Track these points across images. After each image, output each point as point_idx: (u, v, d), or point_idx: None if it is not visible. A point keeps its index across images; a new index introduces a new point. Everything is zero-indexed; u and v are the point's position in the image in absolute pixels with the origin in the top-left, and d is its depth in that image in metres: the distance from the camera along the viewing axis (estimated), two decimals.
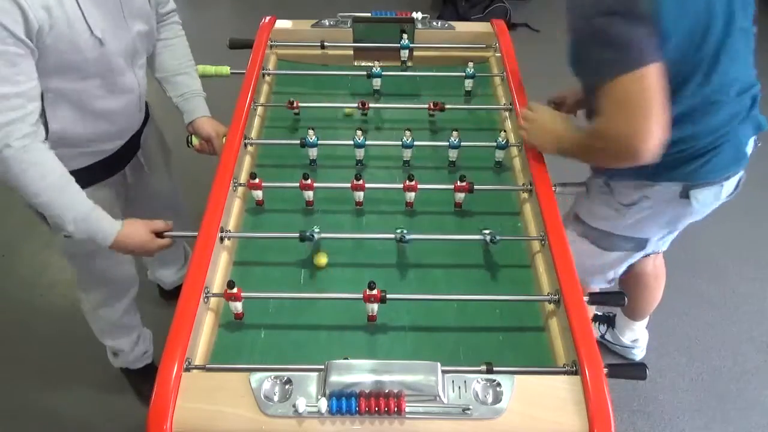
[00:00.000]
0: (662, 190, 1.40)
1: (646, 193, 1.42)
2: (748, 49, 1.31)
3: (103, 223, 1.32)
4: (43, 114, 1.26)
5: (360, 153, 1.59)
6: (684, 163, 1.34)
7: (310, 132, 1.55)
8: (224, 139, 1.55)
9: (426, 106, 1.67)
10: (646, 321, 2.09)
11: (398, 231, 1.32)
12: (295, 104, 1.69)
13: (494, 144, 1.57)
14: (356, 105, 1.69)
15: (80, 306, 1.79)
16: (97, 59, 1.26)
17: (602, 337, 2.17)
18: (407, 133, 1.54)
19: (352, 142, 1.57)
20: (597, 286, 1.73)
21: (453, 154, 1.59)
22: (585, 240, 1.57)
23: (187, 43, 1.64)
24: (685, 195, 1.39)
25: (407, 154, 1.58)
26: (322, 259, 1.35)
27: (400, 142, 1.55)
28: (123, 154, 1.53)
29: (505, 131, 1.59)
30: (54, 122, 1.29)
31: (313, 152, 1.58)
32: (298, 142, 1.57)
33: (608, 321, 2.18)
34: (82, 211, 1.28)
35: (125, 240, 1.35)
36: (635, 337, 2.10)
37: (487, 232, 1.34)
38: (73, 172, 1.29)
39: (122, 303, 1.78)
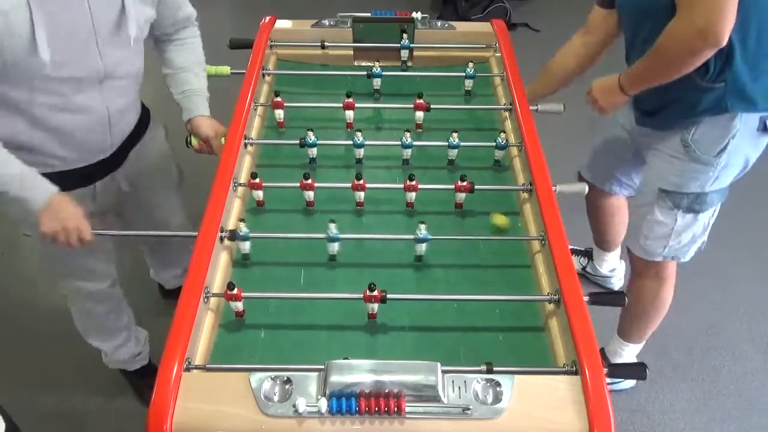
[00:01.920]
0: (745, 125, 1.43)
1: (732, 134, 1.44)
2: None
3: (39, 181, 1.30)
4: None
5: (359, 152, 1.59)
6: (762, 89, 1.39)
7: (310, 133, 1.55)
8: (223, 140, 1.54)
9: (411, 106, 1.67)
10: (618, 251, 2.23)
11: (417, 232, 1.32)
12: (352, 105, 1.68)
13: (493, 144, 1.57)
14: (341, 105, 1.68)
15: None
16: (46, 76, 1.23)
17: (583, 269, 2.32)
18: (454, 134, 1.55)
19: (351, 142, 1.57)
20: (686, 259, 1.74)
21: (453, 154, 1.59)
22: (677, 211, 1.58)
23: (202, 49, 1.64)
24: (761, 127, 1.43)
25: (407, 153, 1.58)
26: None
27: (400, 142, 1.55)
28: (92, 170, 1.49)
29: (504, 132, 1.58)
30: (2, 128, 1.27)
31: (312, 152, 1.58)
32: (298, 142, 1.57)
33: (587, 254, 2.35)
34: (14, 172, 1.26)
35: (60, 204, 1.31)
36: (612, 267, 2.28)
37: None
38: None
39: (97, 309, 1.75)
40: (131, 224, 1.68)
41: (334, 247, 1.34)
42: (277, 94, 1.48)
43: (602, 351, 2.07)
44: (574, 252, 2.34)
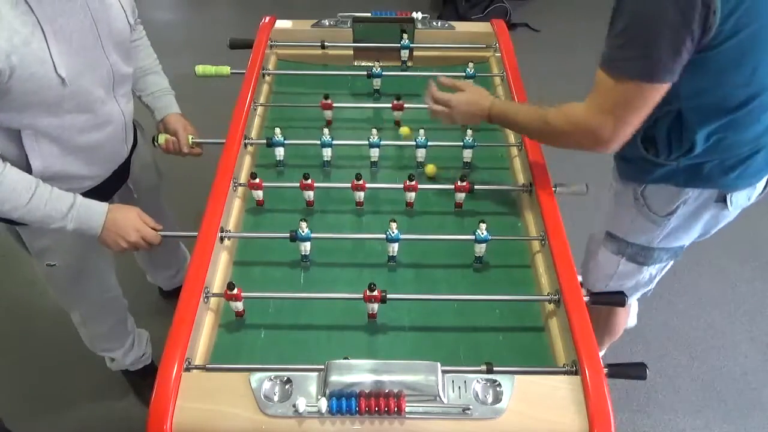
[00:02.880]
0: (699, 197, 1.36)
1: (683, 198, 1.36)
2: None
3: (92, 206, 1.31)
4: (22, 150, 1.24)
5: (375, 153, 1.59)
6: (725, 170, 1.30)
7: (325, 131, 1.55)
8: (191, 138, 1.56)
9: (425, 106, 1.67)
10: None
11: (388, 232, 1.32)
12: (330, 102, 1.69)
13: (461, 144, 1.57)
14: (318, 105, 1.69)
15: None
16: (68, 96, 1.22)
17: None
18: (420, 131, 1.55)
19: (351, 143, 1.57)
20: (634, 299, 1.70)
21: (467, 154, 1.59)
22: (620, 257, 1.52)
23: (149, 42, 1.63)
24: (721, 199, 1.36)
25: (421, 153, 1.58)
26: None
27: (414, 142, 1.56)
28: (111, 183, 1.50)
29: (470, 129, 1.58)
30: (35, 159, 1.26)
31: (327, 152, 1.58)
32: (299, 142, 1.57)
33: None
34: (67, 202, 1.27)
35: (115, 221, 1.33)
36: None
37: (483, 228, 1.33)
38: None
39: (108, 321, 1.76)
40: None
41: (306, 247, 1.34)
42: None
43: None
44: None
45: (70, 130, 1.28)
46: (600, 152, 1.25)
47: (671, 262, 1.56)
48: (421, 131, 1.55)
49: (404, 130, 1.65)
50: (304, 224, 1.31)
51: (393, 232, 1.31)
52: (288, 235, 1.32)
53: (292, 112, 1.73)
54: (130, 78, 1.44)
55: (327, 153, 1.58)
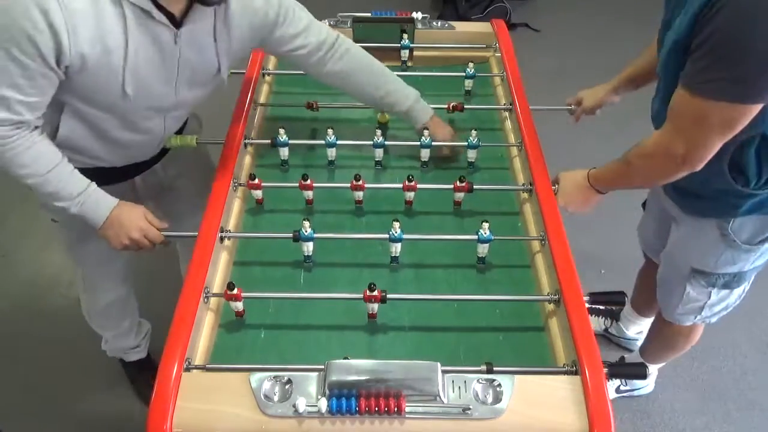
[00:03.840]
0: None
1: None
2: None
3: (101, 199, 1.31)
4: (57, 119, 1.26)
5: (379, 153, 1.59)
6: None
7: (329, 131, 1.55)
8: (196, 139, 1.51)
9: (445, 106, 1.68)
10: (652, 318, 2.07)
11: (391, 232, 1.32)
12: (314, 105, 1.70)
13: (465, 144, 1.57)
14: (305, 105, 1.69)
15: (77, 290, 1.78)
16: (121, 105, 1.25)
17: (605, 330, 2.17)
18: (426, 132, 1.55)
19: (356, 142, 1.58)
20: (715, 321, 1.67)
21: (472, 155, 1.59)
22: (711, 288, 1.50)
23: (368, 59, 1.55)
24: None
25: (425, 153, 1.59)
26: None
27: (419, 143, 1.56)
28: (129, 170, 1.50)
29: (476, 130, 1.58)
30: (64, 129, 1.28)
31: (331, 152, 1.59)
32: (302, 142, 1.57)
33: (612, 315, 2.17)
34: (80, 186, 1.28)
35: (119, 218, 1.32)
36: (640, 330, 2.09)
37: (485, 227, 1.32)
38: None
39: (108, 295, 1.75)
40: (169, 216, 1.67)
41: (309, 247, 1.34)
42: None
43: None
44: (595, 312, 2.16)
45: (105, 124, 1.29)
46: (687, 172, 1.20)
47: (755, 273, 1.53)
48: (426, 132, 1.55)
49: (383, 117, 1.67)
50: (306, 224, 1.31)
51: (396, 232, 1.30)
52: (290, 235, 1.32)
53: (293, 113, 1.73)
54: (200, 101, 1.43)
55: (331, 153, 1.58)
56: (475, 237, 1.32)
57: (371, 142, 1.56)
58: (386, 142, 1.57)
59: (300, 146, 1.63)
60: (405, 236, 1.33)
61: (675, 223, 1.53)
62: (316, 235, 1.32)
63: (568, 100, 1.75)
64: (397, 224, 1.31)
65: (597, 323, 2.18)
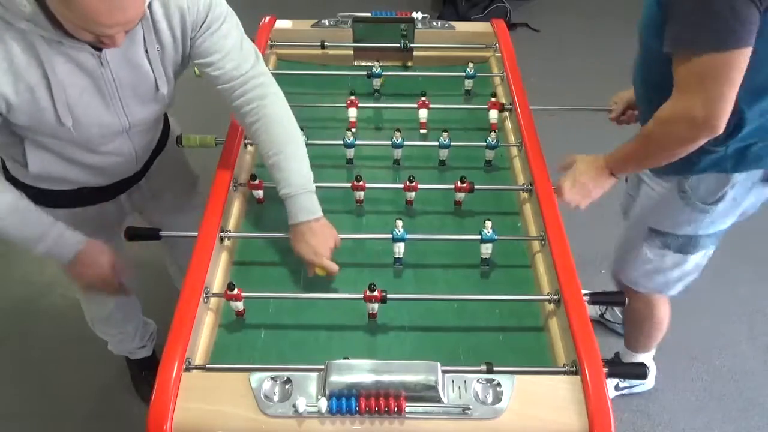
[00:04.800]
0: (746, 180, 1.36)
1: (731, 185, 1.37)
2: None
3: (65, 241, 1.28)
4: (23, 155, 1.23)
5: (397, 153, 1.59)
6: None
7: (348, 133, 1.55)
8: (215, 138, 1.50)
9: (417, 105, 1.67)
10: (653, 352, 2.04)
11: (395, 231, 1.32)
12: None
13: (484, 144, 1.57)
14: (345, 104, 1.68)
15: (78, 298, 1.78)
16: (70, 136, 1.20)
17: (601, 315, 2.19)
18: (444, 134, 1.55)
19: (373, 143, 1.60)
20: (673, 293, 1.69)
21: (443, 154, 1.59)
22: (666, 250, 1.53)
23: (283, 113, 1.32)
24: (765, 178, 1.37)
25: (443, 154, 1.59)
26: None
27: (437, 143, 1.56)
28: (114, 189, 1.46)
29: (495, 132, 1.58)
30: (34, 165, 1.25)
31: (350, 152, 1.59)
32: (315, 142, 1.57)
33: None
34: (39, 230, 1.24)
35: (82, 261, 1.30)
36: None
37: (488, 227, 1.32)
38: (55, 192, 1.31)
39: (108, 305, 1.74)
40: (157, 224, 1.65)
41: (351, 153, 1.37)
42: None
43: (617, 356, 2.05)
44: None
45: (71, 152, 1.26)
46: (710, 136, 1.20)
47: (713, 248, 1.56)
48: (445, 134, 1.55)
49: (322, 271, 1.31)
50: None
51: (399, 231, 1.30)
52: (287, 235, 1.31)
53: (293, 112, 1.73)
54: (156, 120, 1.37)
55: (350, 153, 1.59)
56: (476, 237, 1.32)
57: (390, 143, 1.56)
58: (405, 143, 1.57)
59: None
60: (410, 236, 1.33)
61: (642, 184, 1.55)
62: (355, 236, 1.33)
63: (611, 99, 1.74)
64: (399, 223, 1.31)
65: (593, 309, 2.21)
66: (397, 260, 1.35)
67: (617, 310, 2.15)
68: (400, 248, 1.33)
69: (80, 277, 1.35)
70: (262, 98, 1.30)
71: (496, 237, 1.32)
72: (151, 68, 1.22)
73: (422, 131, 1.69)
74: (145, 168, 1.51)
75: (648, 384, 2.05)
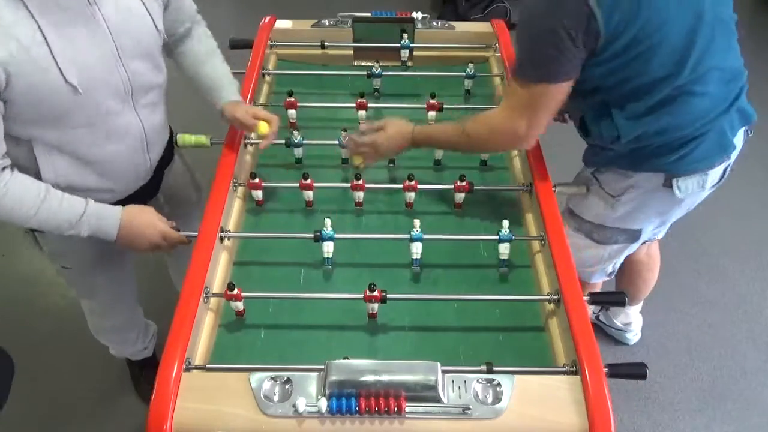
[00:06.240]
0: (646, 180, 1.42)
1: (631, 182, 1.43)
2: (726, 38, 1.31)
3: (105, 213, 1.26)
4: (34, 162, 1.20)
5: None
6: (665, 153, 1.35)
7: (344, 133, 1.55)
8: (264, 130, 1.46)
9: (424, 105, 1.67)
10: (639, 306, 2.12)
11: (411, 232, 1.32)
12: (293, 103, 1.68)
13: None
14: (354, 105, 1.68)
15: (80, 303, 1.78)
16: (80, 107, 1.16)
17: (596, 318, 2.19)
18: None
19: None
20: (599, 281, 1.74)
21: (439, 153, 1.60)
22: (580, 234, 1.58)
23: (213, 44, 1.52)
24: (668, 184, 1.40)
25: (439, 153, 1.59)
26: (263, 128, 1.41)
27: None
28: (137, 198, 1.41)
29: None
30: (47, 172, 1.22)
31: (346, 152, 1.59)
32: (315, 142, 1.57)
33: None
34: (78, 210, 1.22)
35: (131, 224, 1.27)
36: (628, 321, 2.13)
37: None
38: None
39: (116, 318, 1.75)
40: None
41: (330, 247, 1.34)
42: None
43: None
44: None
45: (80, 144, 1.23)
46: (520, 148, 1.45)
47: (630, 245, 1.59)
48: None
49: (357, 159, 1.53)
50: (328, 222, 1.31)
51: (416, 231, 1.31)
52: (289, 235, 1.32)
53: (292, 112, 1.73)
54: (158, 87, 1.36)
55: (345, 152, 1.59)
56: (476, 237, 1.33)
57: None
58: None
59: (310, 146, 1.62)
60: (404, 236, 1.33)
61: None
62: (338, 236, 1.32)
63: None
64: (417, 222, 1.32)
65: (588, 311, 2.19)
66: (415, 261, 1.34)
67: (611, 315, 2.15)
68: (417, 248, 1.33)
69: (134, 247, 1.31)
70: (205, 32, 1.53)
71: (513, 237, 1.32)
72: (144, 4, 1.24)
73: None
74: (158, 177, 1.49)
75: (633, 338, 2.15)
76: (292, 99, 1.65)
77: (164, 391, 1.01)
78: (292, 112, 1.68)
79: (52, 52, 1.09)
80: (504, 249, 1.34)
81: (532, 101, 1.29)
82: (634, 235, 1.55)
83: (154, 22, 1.27)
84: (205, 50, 1.50)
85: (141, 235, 1.30)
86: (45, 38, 1.07)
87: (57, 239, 1.35)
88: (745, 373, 2.11)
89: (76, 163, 1.25)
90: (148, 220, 1.31)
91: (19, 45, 1.05)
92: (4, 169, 1.15)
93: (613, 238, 1.55)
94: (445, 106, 1.67)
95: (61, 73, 1.10)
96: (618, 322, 2.13)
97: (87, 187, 1.29)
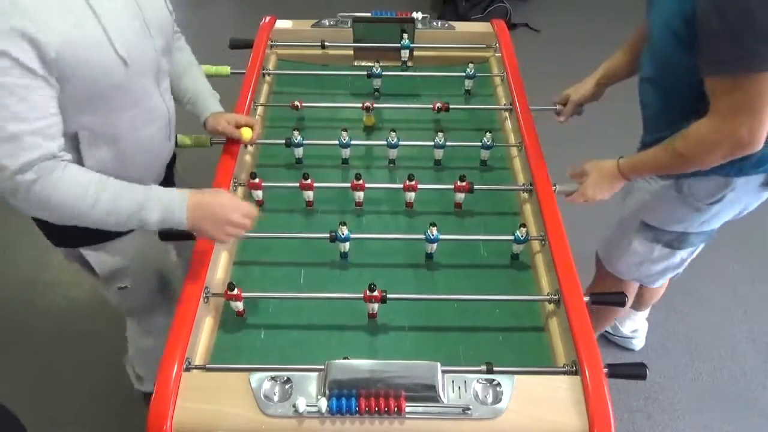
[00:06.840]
0: (747, 182, 1.36)
1: (731, 188, 1.37)
2: None
3: (168, 197, 1.16)
4: (77, 152, 1.16)
5: (393, 153, 1.59)
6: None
7: (344, 133, 1.55)
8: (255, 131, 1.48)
9: (430, 106, 1.67)
10: (647, 312, 2.10)
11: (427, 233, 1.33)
12: (299, 105, 1.69)
13: (479, 144, 1.58)
14: (360, 106, 1.68)
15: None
16: (126, 83, 1.15)
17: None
18: (440, 134, 1.55)
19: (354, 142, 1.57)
20: (655, 285, 1.72)
21: (439, 154, 1.60)
22: (656, 244, 1.54)
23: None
24: (766, 182, 1.37)
25: (439, 154, 1.59)
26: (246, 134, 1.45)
27: (433, 143, 1.56)
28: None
29: (490, 132, 1.58)
30: (90, 161, 1.18)
31: (346, 152, 1.59)
32: (315, 142, 1.57)
33: None
34: (140, 194, 1.14)
35: (201, 202, 1.16)
36: (635, 327, 2.11)
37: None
38: None
39: (160, 320, 1.65)
40: None
41: (346, 246, 1.35)
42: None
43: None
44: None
45: (125, 127, 1.20)
46: (746, 153, 1.20)
47: (702, 245, 1.57)
48: (440, 134, 1.55)
49: (369, 119, 1.63)
50: (344, 228, 1.31)
51: (433, 235, 1.31)
52: (288, 234, 1.32)
53: (292, 112, 1.73)
54: (170, 73, 1.36)
55: (345, 153, 1.59)
56: (477, 237, 1.33)
57: (385, 142, 1.56)
58: (401, 143, 1.56)
59: (311, 146, 1.62)
60: (404, 236, 1.33)
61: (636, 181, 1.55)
62: (313, 235, 1.32)
63: (554, 99, 1.74)
64: (434, 228, 1.32)
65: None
66: (429, 255, 1.37)
67: (618, 323, 2.14)
68: (432, 248, 1.35)
69: (215, 228, 1.17)
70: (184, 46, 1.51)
71: (529, 238, 1.33)
72: None
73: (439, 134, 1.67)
74: (170, 175, 1.49)
75: (639, 344, 2.13)
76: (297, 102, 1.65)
77: (164, 390, 1.01)
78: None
79: (103, 27, 1.08)
80: (517, 249, 1.36)
81: (749, 100, 1.12)
82: (711, 235, 1.53)
83: (166, 2, 1.28)
84: (186, 59, 1.49)
85: (225, 214, 1.17)
86: (94, 11, 1.07)
87: (114, 254, 1.32)
88: (745, 373, 2.11)
89: (118, 155, 1.22)
90: (224, 198, 1.20)
91: (72, 22, 1.04)
92: (64, 160, 1.09)
93: (693, 242, 1.52)
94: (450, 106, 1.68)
95: (112, 44, 1.09)
96: (625, 330, 2.12)
97: (123, 177, 1.21)
